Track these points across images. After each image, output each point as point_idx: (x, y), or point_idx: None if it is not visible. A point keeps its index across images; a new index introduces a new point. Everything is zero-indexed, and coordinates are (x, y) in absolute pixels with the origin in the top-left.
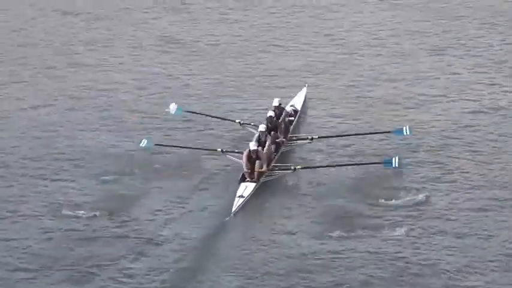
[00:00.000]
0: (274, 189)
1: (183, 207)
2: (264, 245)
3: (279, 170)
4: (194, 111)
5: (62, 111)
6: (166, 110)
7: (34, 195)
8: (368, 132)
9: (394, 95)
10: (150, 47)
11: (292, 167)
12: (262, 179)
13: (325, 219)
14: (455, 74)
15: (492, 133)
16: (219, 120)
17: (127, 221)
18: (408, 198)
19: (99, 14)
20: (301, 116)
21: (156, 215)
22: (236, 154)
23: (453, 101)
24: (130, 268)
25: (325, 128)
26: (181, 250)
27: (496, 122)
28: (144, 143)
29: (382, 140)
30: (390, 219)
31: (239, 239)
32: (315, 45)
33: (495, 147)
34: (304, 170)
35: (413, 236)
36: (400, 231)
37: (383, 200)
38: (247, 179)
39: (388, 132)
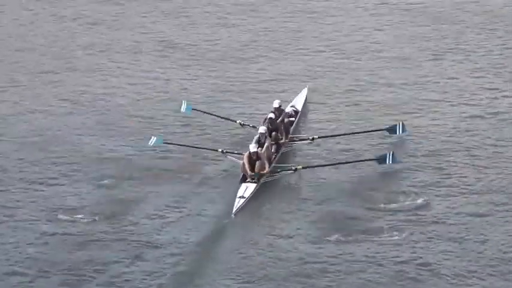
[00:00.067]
0: (275, 190)
1: (182, 210)
2: (262, 249)
3: (280, 170)
4: (200, 109)
5: (60, 115)
6: (179, 108)
7: (32, 200)
8: (369, 130)
9: (393, 99)
10: (149, 52)
11: (293, 167)
12: (262, 180)
13: (324, 223)
14: (454, 78)
15: (491, 138)
16: (220, 121)
17: (125, 225)
18: (407, 203)
19: (97, 19)
20: (302, 117)
21: (154, 218)
22: (236, 155)
23: (452, 105)
24: (128, 272)
25: (325, 128)
26: (179, 254)
27: (495, 126)
28: (152, 141)
29: (383, 139)
30: (389, 224)
31: (238, 242)
32: (314, 50)
33: (494, 151)
34: (305, 170)
35: (411, 240)
36: (398, 236)
37: (381, 204)
38: (248, 179)
39: (387, 129)
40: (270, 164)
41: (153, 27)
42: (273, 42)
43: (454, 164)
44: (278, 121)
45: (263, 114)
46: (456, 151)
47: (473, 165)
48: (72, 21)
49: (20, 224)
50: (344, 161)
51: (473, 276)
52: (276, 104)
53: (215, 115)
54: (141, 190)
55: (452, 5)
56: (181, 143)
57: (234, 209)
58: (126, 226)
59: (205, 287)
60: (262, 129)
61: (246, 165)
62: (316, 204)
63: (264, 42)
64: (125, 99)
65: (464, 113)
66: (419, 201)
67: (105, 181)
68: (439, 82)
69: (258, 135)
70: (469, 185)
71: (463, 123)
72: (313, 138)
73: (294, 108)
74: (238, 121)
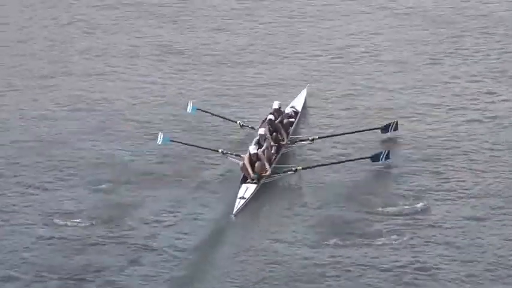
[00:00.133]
0: (275, 192)
1: (180, 214)
2: (260, 253)
3: (281, 171)
4: (204, 109)
5: (58, 120)
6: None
7: (29, 204)
8: (368, 128)
9: (391, 102)
10: (146, 56)
11: (294, 168)
12: (263, 181)
13: (323, 227)
14: (452, 82)
15: (488, 142)
16: (219, 123)
17: (123, 229)
18: (405, 207)
19: (94, 23)
20: (302, 117)
21: (153, 222)
22: (236, 156)
23: (450, 109)
24: (127, 276)
25: (325, 128)
26: (177, 258)
27: (493, 130)
28: (160, 139)
29: (381, 140)
30: (387, 228)
31: (236, 246)
32: (312, 53)
33: (491, 156)
34: (305, 170)
35: (409, 244)
36: (396, 240)
37: (380, 208)
38: (248, 180)
39: (381, 128)
40: (270, 164)
41: (150, 32)
42: (270, 46)
43: (452, 168)
44: (277, 122)
45: (260, 117)
46: (454, 155)
47: (471, 169)
48: (70, 26)
49: (17, 228)
50: (339, 161)
51: (471, 281)
52: (275, 105)
53: (218, 115)
54: (139, 194)
55: (451, 9)
56: (186, 142)
57: (235, 210)
58: (124, 230)
59: None
60: (261, 130)
61: (248, 167)
62: (315, 207)
63: (261, 47)
64: (123, 104)
65: (462, 117)
66: (418, 205)
67: (103, 185)
68: (437, 86)
69: (257, 137)
70: (466, 189)
71: (461, 127)
72: (313, 139)
73: (293, 109)
74: (238, 122)
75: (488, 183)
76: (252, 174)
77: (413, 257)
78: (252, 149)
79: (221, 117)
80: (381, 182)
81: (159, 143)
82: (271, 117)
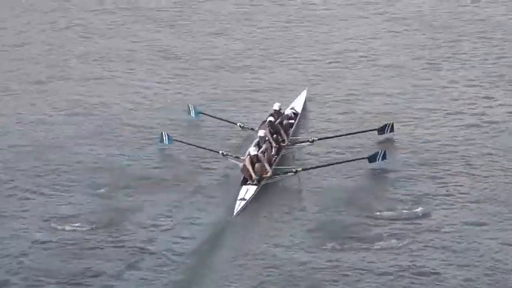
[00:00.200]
0: (274, 194)
1: (179, 218)
2: (259, 257)
3: (281, 172)
4: (202, 111)
5: (55, 124)
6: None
7: (26, 208)
8: (365, 130)
9: (389, 107)
10: (144, 61)
11: (294, 169)
12: (263, 182)
13: (321, 231)
14: (450, 87)
15: (487, 147)
16: (219, 127)
17: (121, 234)
18: (403, 211)
19: (92, 28)
20: (301, 119)
21: (151, 226)
22: (236, 158)
23: (448, 114)
24: (125, 280)
25: (324, 132)
26: (175, 262)
27: (492, 135)
28: (165, 139)
29: (379, 142)
30: (385, 232)
31: (235, 249)
32: (310, 58)
33: (490, 160)
34: (305, 172)
35: (408, 249)
36: (394, 244)
37: (378, 212)
38: (249, 181)
39: (378, 129)
40: (270, 166)
41: (148, 36)
42: (268, 50)
43: (449, 173)
44: (277, 123)
45: (259, 121)
46: (452, 159)
47: (469, 173)
48: (67, 31)
49: (15, 233)
50: (337, 162)
51: (469, 285)
52: (276, 106)
53: (220, 118)
54: (137, 198)
55: (448, 14)
56: (187, 141)
57: (235, 211)
58: (122, 235)
59: None
60: (261, 132)
61: (249, 168)
62: (313, 211)
63: (258, 51)
64: (120, 108)
65: (459, 121)
66: (416, 209)
67: (101, 190)
68: (435, 90)
69: (257, 139)
70: (464, 194)
71: (459, 131)
72: (313, 140)
73: (293, 111)
74: (238, 124)
75: (486, 187)
76: (253, 176)
77: (411, 261)
78: (252, 150)
79: (223, 119)
80: (379, 186)
81: (165, 143)
82: (271, 118)
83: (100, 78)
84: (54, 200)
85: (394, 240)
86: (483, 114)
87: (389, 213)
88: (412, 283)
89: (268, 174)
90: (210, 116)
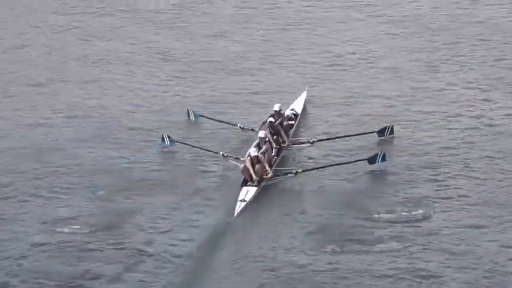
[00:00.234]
0: (274, 196)
1: (179, 220)
2: (258, 259)
3: (281, 173)
4: (202, 114)
5: (55, 127)
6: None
7: (26, 211)
8: (364, 132)
9: (388, 109)
10: (143, 63)
11: (294, 171)
12: (263, 183)
13: (321, 233)
14: (449, 89)
15: (486, 149)
16: (219, 128)
17: (121, 236)
18: (403, 214)
19: (91, 30)
20: (301, 120)
21: (151, 229)
22: (236, 159)
23: (448, 116)
24: (124, 282)
25: (325, 131)
26: (174, 264)
27: (491, 138)
28: (167, 140)
29: (379, 144)
30: (385, 234)
31: (234, 252)
32: (309, 61)
33: (489, 163)
34: (305, 173)
35: (407, 251)
36: (394, 246)
37: (378, 215)
38: (249, 183)
39: (378, 131)
40: (270, 167)
41: (147, 38)
42: (267, 53)
43: (449, 175)
44: (277, 124)
45: (258, 123)
46: (451, 162)
47: (469, 176)
48: (67, 33)
49: (14, 235)
50: (337, 163)
51: (469, 287)
52: (276, 107)
53: (221, 121)
54: (136, 201)
55: (446, 16)
56: (188, 143)
57: (236, 212)
58: (122, 237)
59: None
60: (261, 133)
61: (250, 169)
62: (313, 213)
63: (258, 53)
64: (120, 110)
65: (460, 124)
66: (415, 212)
67: (100, 192)
68: (434, 93)
69: (257, 140)
70: (464, 196)
71: (458, 134)
72: (313, 141)
73: (293, 111)
74: (238, 124)
75: (485, 190)
76: (253, 176)
77: (411, 264)
78: (253, 151)
79: (224, 122)
80: (379, 189)
81: (167, 145)
82: (272, 119)
83: (99, 80)
84: (53, 202)
85: (393, 243)
86: (482, 116)
87: (389, 215)
88: (412, 285)
89: (269, 175)
90: (210, 118)
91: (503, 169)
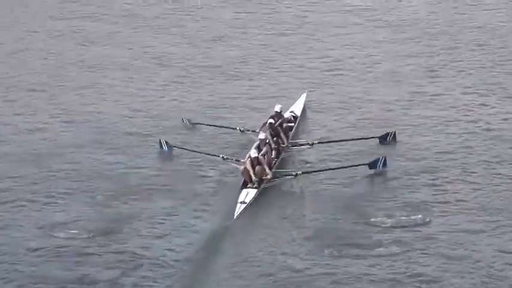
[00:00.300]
0: (274, 198)
1: (177, 225)
2: (256, 264)
3: (281, 175)
4: (199, 122)
5: (54, 132)
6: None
7: (24, 216)
8: (366, 137)
9: (387, 114)
10: (142, 68)
11: (294, 173)
12: (263, 185)
13: (319, 237)
14: (447, 95)
15: (484, 154)
16: (219, 131)
17: (119, 241)
18: (402, 218)
19: (90, 35)
20: (301, 124)
21: (149, 233)
22: (236, 161)
23: (446, 122)
24: (122, 287)
25: (324, 135)
26: (173, 269)
27: (489, 143)
28: (165, 146)
29: (379, 148)
30: (384, 239)
31: (232, 256)
32: (308, 66)
33: (487, 168)
34: (304, 175)
35: (406, 256)
36: (393, 251)
37: (377, 219)
38: (249, 185)
39: (380, 137)
40: (270, 169)
41: (145, 44)
42: (266, 57)
43: (448, 180)
44: (277, 125)
45: (257, 126)
46: (450, 167)
47: (467, 181)
48: (65, 38)
49: (12, 240)
50: (338, 167)
51: None
52: (277, 108)
53: (215, 125)
54: (135, 205)
55: (446, 21)
56: (186, 147)
57: (236, 214)
58: (120, 242)
59: None
60: (262, 135)
61: (250, 171)
62: (312, 216)
63: (256, 58)
64: (118, 115)
65: (458, 129)
66: (414, 216)
67: (98, 197)
68: (433, 98)
69: (257, 142)
70: (462, 201)
71: (457, 139)
72: (312, 143)
73: (293, 114)
74: (238, 128)
75: (483, 195)
76: (253, 178)
77: (409, 268)
78: (253, 153)
79: (224, 127)
80: (378, 193)
81: (165, 150)
82: (271, 120)
83: (97, 85)
84: (51, 207)
85: (392, 247)
86: (480, 121)
87: (388, 220)
88: None
89: (268, 177)
90: (208, 125)
91: (500, 174)
